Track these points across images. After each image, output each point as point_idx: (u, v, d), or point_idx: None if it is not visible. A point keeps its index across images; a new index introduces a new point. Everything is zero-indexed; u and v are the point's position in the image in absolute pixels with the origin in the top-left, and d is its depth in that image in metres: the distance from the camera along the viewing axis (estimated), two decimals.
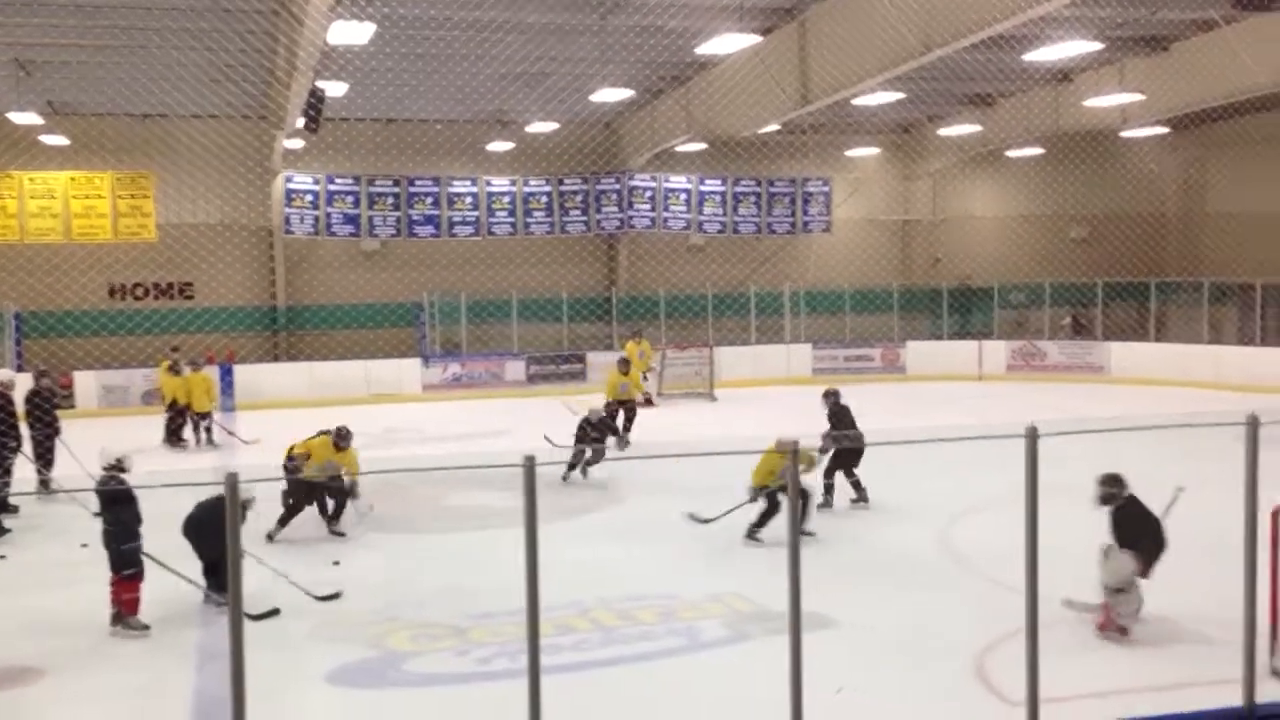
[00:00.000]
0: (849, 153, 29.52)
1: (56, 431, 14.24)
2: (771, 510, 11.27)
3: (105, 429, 16.26)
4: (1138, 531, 8.73)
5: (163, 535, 9.43)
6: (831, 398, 14.00)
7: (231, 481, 4.58)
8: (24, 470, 13.62)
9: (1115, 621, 8.68)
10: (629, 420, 17.94)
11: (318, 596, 9.75)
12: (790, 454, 5.44)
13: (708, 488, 12.33)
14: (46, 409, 14.30)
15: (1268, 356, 24.16)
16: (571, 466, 14.84)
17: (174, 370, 19.00)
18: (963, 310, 29.42)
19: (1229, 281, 26.83)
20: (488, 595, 9.69)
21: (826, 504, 12.86)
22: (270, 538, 11.69)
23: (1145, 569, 8.66)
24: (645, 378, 23.13)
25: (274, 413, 22.35)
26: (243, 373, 23.46)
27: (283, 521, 11.91)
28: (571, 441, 14.98)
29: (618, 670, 8.39)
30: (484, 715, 7.61)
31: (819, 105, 19.38)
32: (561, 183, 26.97)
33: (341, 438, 12.36)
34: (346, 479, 12.18)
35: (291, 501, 12.04)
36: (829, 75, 18.06)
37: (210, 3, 15.33)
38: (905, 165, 30.67)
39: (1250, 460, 6.17)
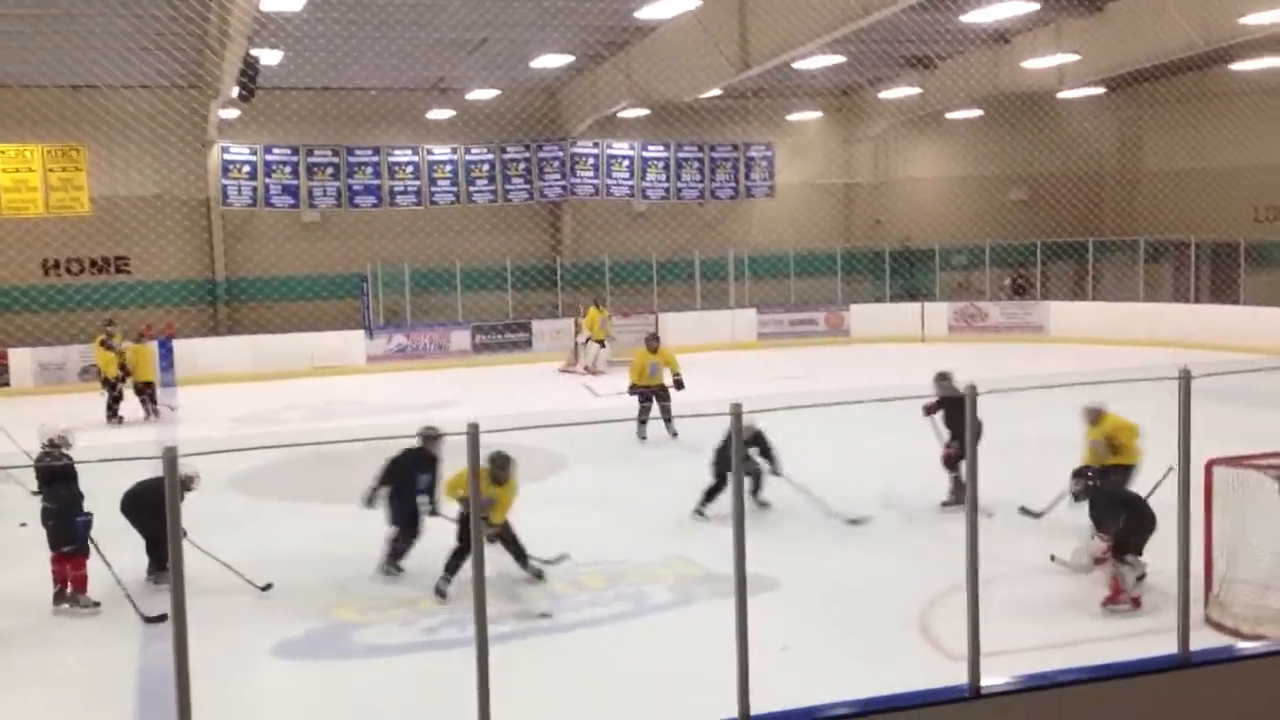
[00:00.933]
0: (790, 117, 29.56)
1: None
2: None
3: (42, 406, 15.98)
4: (1109, 514, 8.84)
5: (103, 512, 9.31)
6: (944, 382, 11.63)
7: (169, 457, 4.52)
8: None
9: (1126, 593, 8.66)
10: (665, 409, 14.57)
11: (260, 587, 9.51)
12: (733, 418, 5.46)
13: (654, 454, 12.37)
14: None
15: (1202, 313, 24.66)
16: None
17: (107, 345, 18.68)
18: (905, 272, 29.68)
19: (1165, 240, 27.31)
20: (437, 564, 9.68)
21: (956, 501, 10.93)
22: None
23: (1115, 551, 8.73)
24: (603, 344, 23.25)
25: (214, 388, 22.12)
26: (182, 347, 23.13)
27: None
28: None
29: (565, 636, 8.44)
30: (433, 684, 7.63)
31: (759, 69, 19.37)
32: (504, 150, 26.76)
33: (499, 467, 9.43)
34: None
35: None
36: (769, 39, 18.04)
37: None
38: (846, 128, 30.77)
39: (1183, 414, 6.29)
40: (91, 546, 9.09)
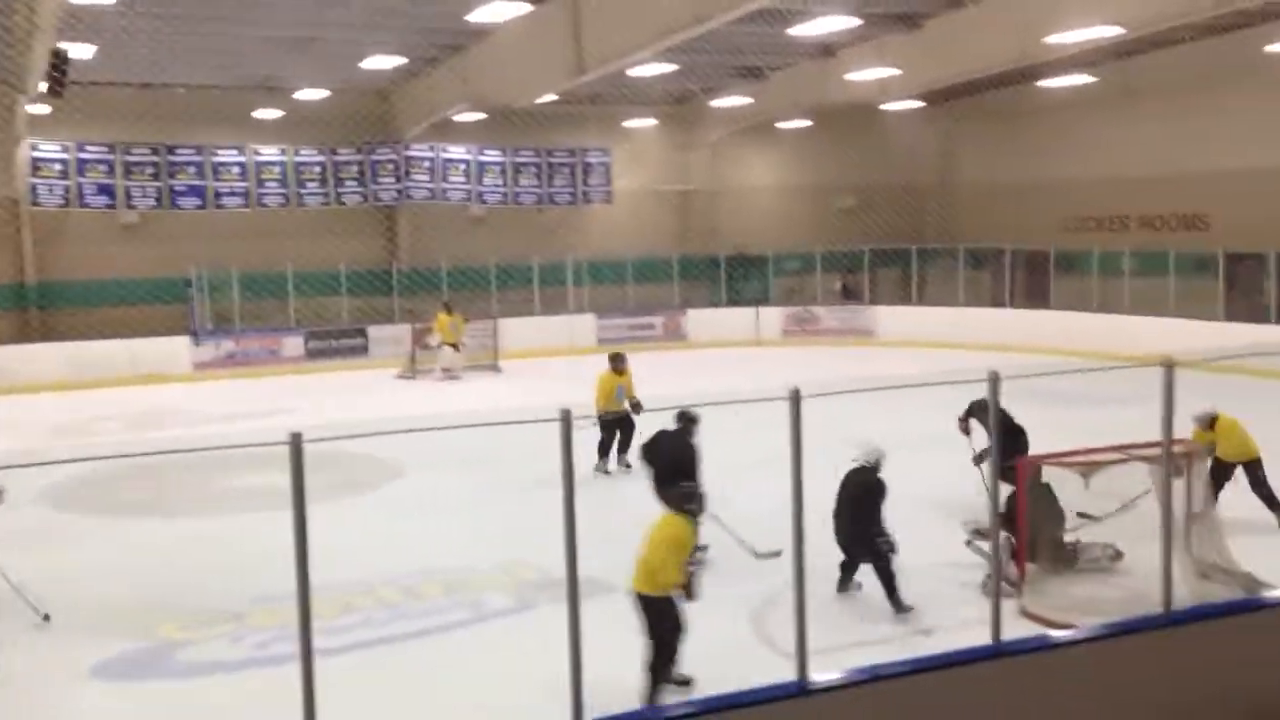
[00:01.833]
0: (627, 123, 29.81)
1: None
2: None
3: None
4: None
5: None
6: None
7: None
8: None
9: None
10: (625, 440, 13.50)
11: (40, 615, 8.96)
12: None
13: (491, 460, 12.31)
14: None
15: (1017, 317, 25.93)
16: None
17: None
18: (740, 278, 30.27)
19: (982, 247, 28.59)
20: (266, 577, 9.39)
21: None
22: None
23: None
24: (456, 348, 23.06)
25: (27, 397, 20.98)
26: None
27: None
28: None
29: (401, 646, 8.33)
30: (261, 702, 7.41)
31: (594, 76, 19.48)
32: (335, 153, 26.19)
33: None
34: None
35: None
36: (603, 46, 18.16)
37: None
38: (682, 136, 31.19)
39: (994, 412, 6.62)
40: None
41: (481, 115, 25.88)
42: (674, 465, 9.64)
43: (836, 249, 29.45)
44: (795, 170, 31.74)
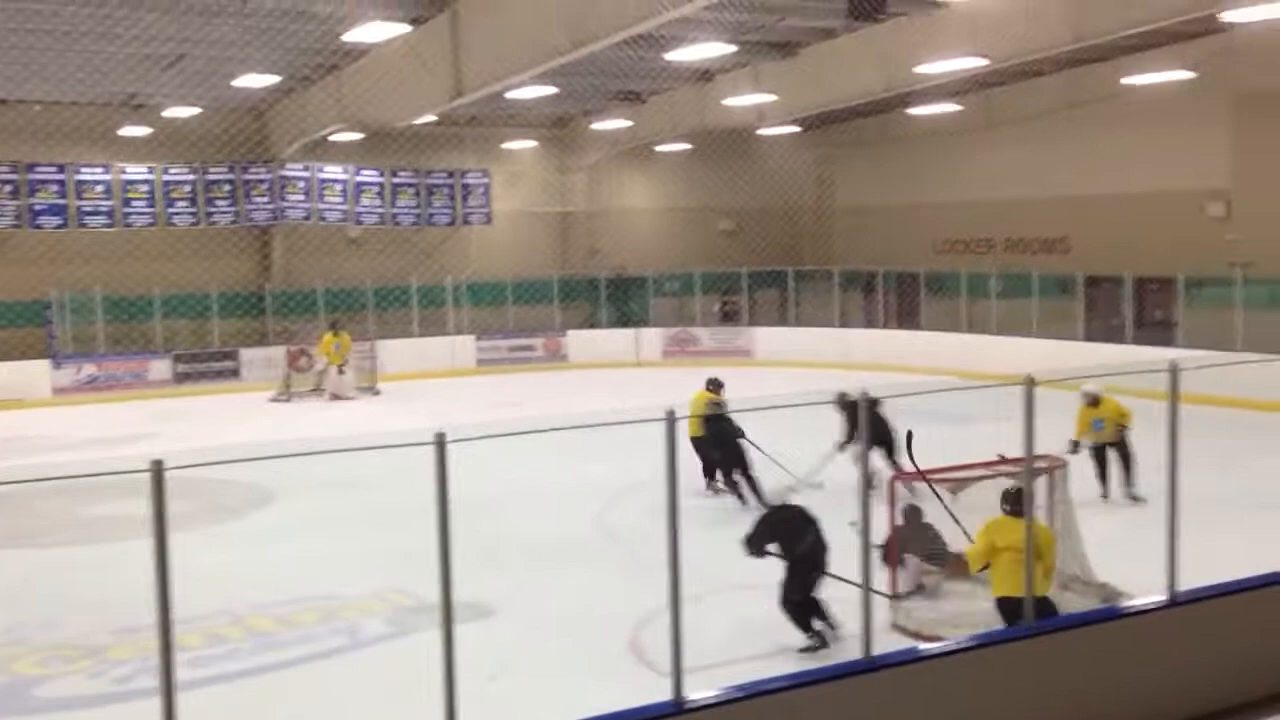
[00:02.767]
0: (506, 145, 29.74)
1: None
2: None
3: None
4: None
5: None
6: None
7: None
8: None
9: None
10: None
11: None
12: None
13: (366, 485, 12.11)
14: None
15: (889, 337, 26.58)
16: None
17: None
18: (620, 299, 30.40)
19: (856, 270, 29.26)
20: (131, 609, 9.05)
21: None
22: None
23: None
24: (341, 371, 22.65)
25: None
26: None
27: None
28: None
29: (272, 676, 8.12)
30: None
31: (473, 98, 19.37)
32: (206, 171, 25.54)
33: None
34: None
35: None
36: (482, 68, 18.10)
37: None
38: (561, 158, 31.25)
39: (864, 429, 6.79)
40: None
41: (359, 135, 25.54)
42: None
43: (716, 271, 29.81)
44: (674, 193, 32.05)
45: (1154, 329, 23.35)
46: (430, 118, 22.77)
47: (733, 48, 19.39)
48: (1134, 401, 15.29)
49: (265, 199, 26.21)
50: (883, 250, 28.84)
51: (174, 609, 4.92)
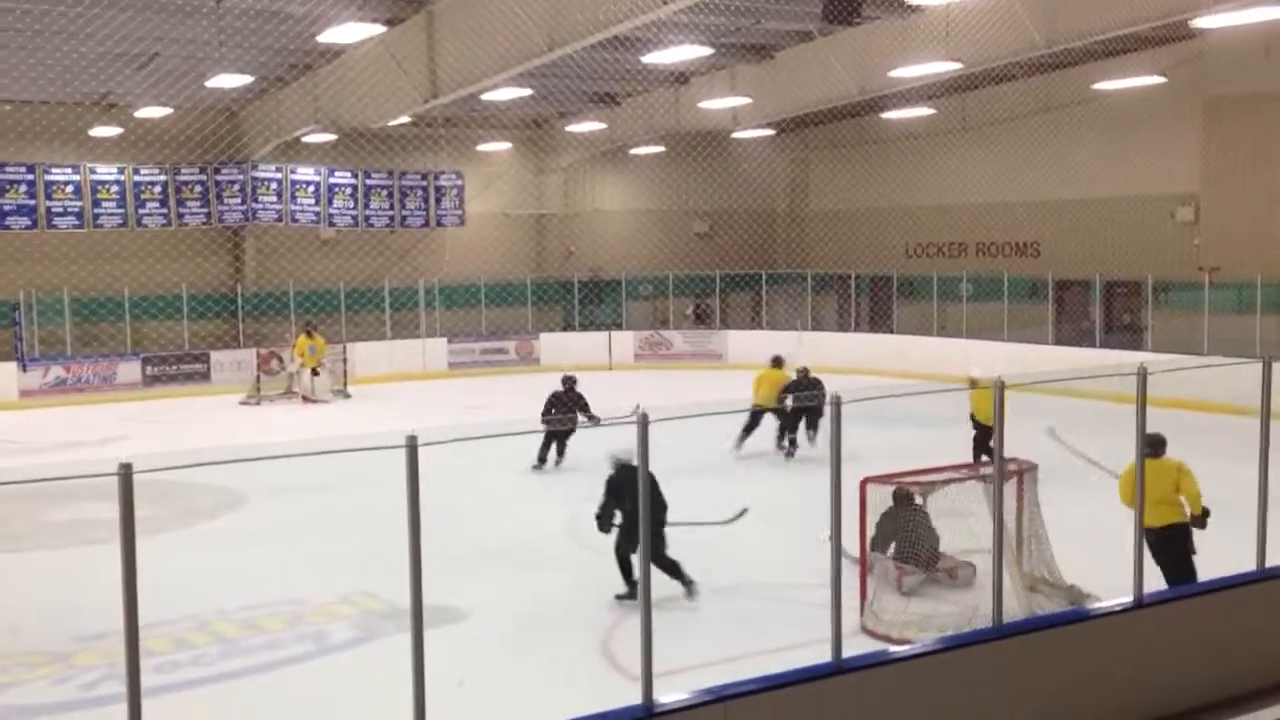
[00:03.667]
0: (481, 147, 29.67)
1: None
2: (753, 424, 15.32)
3: None
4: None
5: None
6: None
7: None
8: None
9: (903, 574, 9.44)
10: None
11: None
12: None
13: (336, 488, 12.04)
14: None
15: (861, 341, 26.67)
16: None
17: None
18: (594, 301, 30.39)
19: (829, 273, 29.35)
20: (94, 614, 8.98)
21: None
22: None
23: None
24: (316, 373, 22.53)
25: None
26: None
27: None
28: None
29: (239, 682, 8.05)
30: None
31: (448, 99, 19.34)
32: (178, 172, 25.32)
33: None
34: None
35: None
36: (457, 69, 18.06)
37: None
38: (537, 160, 31.22)
39: (834, 436, 6.78)
40: None
41: (332, 136, 25.42)
42: None
43: (689, 273, 29.83)
44: (649, 195, 32.06)
45: (1123, 333, 23.54)
46: (405, 119, 22.70)
47: (709, 50, 19.43)
48: (1102, 405, 15.44)
49: (237, 200, 26.02)
50: (857, 253, 28.96)
51: (141, 614, 4.85)
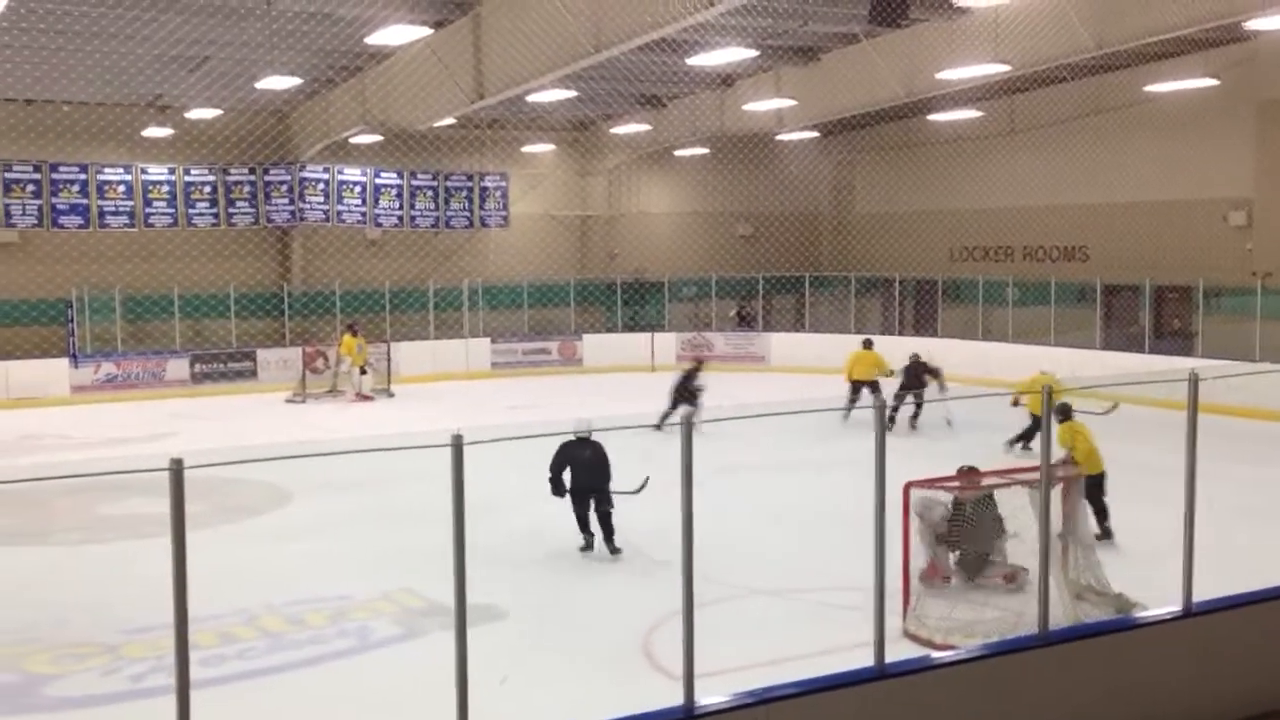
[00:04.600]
0: (526, 149, 29.80)
1: None
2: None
3: None
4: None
5: None
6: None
7: None
8: None
9: (941, 570, 9.38)
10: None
11: None
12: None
13: (380, 486, 12.14)
14: None
15: (906, 345, 26.39)
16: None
17: None
18: (637, 303, 30.41)
19: (873, 276, 29.19)
20: (143, 607, 9.12)
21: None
22: None
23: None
24: (364, 371, 22.76)
25: None
26: None
27: None
28: None
29: (283, 677, 8.13)
30: None
31: (493, 100, 19.44)
32: (227, 172, 25.65)
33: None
34: None
35: None
36: (503, 71, 18.15)
37: None
38: (581, 162, 31.30)
39: (879, 439, 6.75)
40: None
41: (379, 138, 25.64)
42: None
43: (732, 276, 29.78)
44: (693, 197, 32.05)
45: (1173, 338, 23.20)
46: (450, 120, 22.85)
47: (754, 53, 19.39)
48: (1152, 411, 15.24)
49: (285, 200, 26.30)
50: (901, 256, 28.77)
51: (189, 608, 4.92)
